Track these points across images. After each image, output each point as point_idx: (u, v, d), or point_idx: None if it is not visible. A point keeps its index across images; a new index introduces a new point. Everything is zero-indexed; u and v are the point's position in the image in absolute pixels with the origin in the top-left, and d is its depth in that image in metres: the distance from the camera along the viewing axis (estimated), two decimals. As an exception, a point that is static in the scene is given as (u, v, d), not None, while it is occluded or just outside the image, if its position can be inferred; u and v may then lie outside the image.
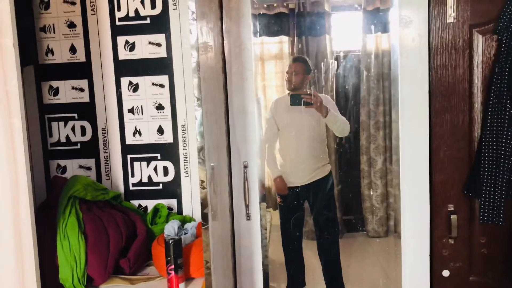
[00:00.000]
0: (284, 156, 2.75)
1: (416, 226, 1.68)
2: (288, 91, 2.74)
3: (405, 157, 1.66)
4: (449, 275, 1.72)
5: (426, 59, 1.62)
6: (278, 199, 2.80)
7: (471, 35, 1.63)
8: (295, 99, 2.46)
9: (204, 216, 1.26)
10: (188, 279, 1.57)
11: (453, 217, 1.68)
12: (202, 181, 1.25)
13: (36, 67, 1.84)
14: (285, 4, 3.06)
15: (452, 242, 1.70)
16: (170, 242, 1.49)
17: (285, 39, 3.15)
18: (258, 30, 2.98)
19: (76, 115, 1.87)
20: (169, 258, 1.49)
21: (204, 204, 1.25)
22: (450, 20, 1.62)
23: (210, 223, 1.28)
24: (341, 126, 2.59)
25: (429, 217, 1.68)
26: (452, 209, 1.69)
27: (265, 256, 1.95)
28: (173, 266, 1.49)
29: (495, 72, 1.59)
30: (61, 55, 1.84)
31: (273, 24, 3.08)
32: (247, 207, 1.69)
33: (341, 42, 3.15)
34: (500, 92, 1.56)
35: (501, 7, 1.57)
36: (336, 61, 3.09)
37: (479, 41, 1.63)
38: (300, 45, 3.10)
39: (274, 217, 3.19)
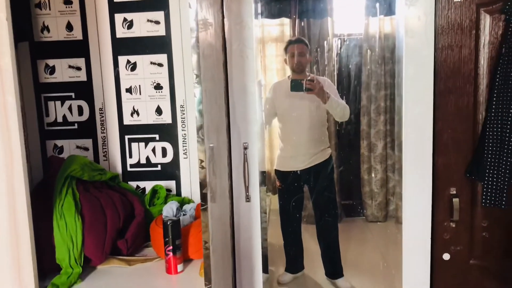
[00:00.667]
0: (284, 140, 2.73)
1: (418, 209, 1.66)
2: (289, 75, 2.70)
3: (408, 139, 1.63)
4: (449, 258, 1.71)
5: (432, 39, 1.58)
6: (278, 183, 2.78)
7: (478, 14, 1.58)
8: (296, 85, 2.42)
9: (203, 197, 1.23)
10: (187, 260, 1.56)
11: (455, 200, 1.65)
12: (201, 161, 1.22)
13: (31, 45, 1.79)
14: (286, -14, 3.01)
15: (454, 225, 1.68)
16: (169, 223, 1.47)
17: (286, 21, 3.10)
18: (259, 12, 2.94)
19: (73, 94, 1.84)
20: (167, 239, 1.47)
21: (203, 184, 1.23)
22: (457, -1, 1.57)
23: (209, 203, 1.26)
24: (341, 111, 2.56)
25: (431, 200, 1.66)
26: (455, 192, 1.67)
27: (264, 239, 1.94)
28: (171, 247, 1.47)
29: (501, 53, 1.55)
30: (57, 33, 1.79)
31: (274, 5, 3.03)
32: (246, 188, 1.66)
33: (343, 25, 3.10)
34: (506, 73, 1.52)
35: (509, -14, 1.52)
36: (338, 45, 3.05)
37: (486, 21, 1.59)
38: (301, 27, 3.06)
39: (274, 201, 3.18)
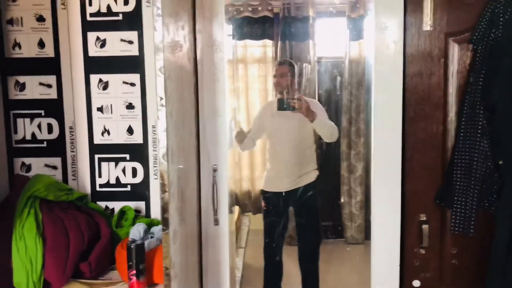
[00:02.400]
0: (271, 160, 2.72)
1: (387, 235, 1.65)
2: (277, 94, 2.71)
3: (377, 164, 1.63)
4: (419, 285, 1.70)
5: (401, 66, 1.59)
6: (263, 204, 2.76)
7: (447, 43, 1.61)
8: (282, 104, 2.43)
9: (165, 221, 1.21)
10: (151, 284, 1.52)
11: (425, 226, 1.65)
12: (164, 184, 1.20)
13: (1, 61, 1.77)
14: (269, 8, 3.04)
15: (424, 252, 1.68)
16: (132, 247, 1.44)
17: (268, 43, 3.13)
18: (241, 33, 2.96)
19: (43, 112, 1.81)
20: (130, 263, 1.44)
21: (165, 208, 1.21)
22: (427, 27, 1.60)
23: (171, 228, 1.23)
24: (329, 131, 2.56)
25: (400, 227, 1.65)
26: (424, 218, 1.66)
27: (234, 262, 1.91)
28: (134, 271, 1.44)
29: (469, 82, 1.57)
30: (28, 49, 1.78)
31: (257, 27, 3.06)
32: (215, 211, 1.64)
33: (324, 48, 3.14)
34: (474, 102, 1.54)
35: (477, 16, 1.55)
36: (318, 67, 3.08)
37: (454, 50, 1.61)
38: (284, 49, 3.09)
39: (253, 221, 3.16)
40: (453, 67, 1.62)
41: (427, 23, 1.59)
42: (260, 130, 2.68)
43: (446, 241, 1.68)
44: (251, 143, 2.69)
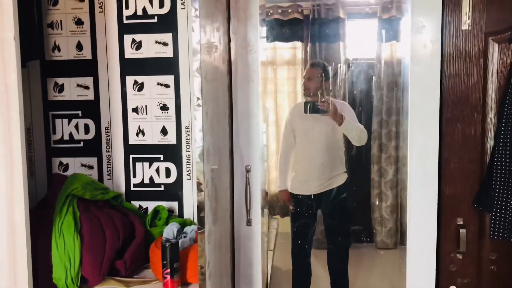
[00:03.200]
0: (299, 163, 2.71)
1: (423, 239, 1.62)
2: (305, 97, 2.70)
3: (413, 167, 1.60)
4: (456, 291, 1.66)
5: (438, 67, 1.56)
6: (291, 207, 2.75)
7: (487, 43, 1.57)
8: (310, 107, 2.42)
9: (201, 220, 1.22)
10: (185, 283, 1.53)
11: (462, 231, 1.61)
12: (199, 184, 1.21)
13: (42, 63, 1.83)
14: (299, 10, 3.04)
15: (461, 257, 1.64)
16: (167, 246, 1.45)
17: (298, 44, 3.12)
18: (271, 35, 2.97)
19: (80, 112, 1.85)
20: (165, 262, 1.45)
21: (200, 207, 1.22)
22: (465, 27, 1.56)
23: (207, 227, 1.24)
24: (357, 135, 2.53)
25: (436, 231, 1.62)
26: (461, 223, 1.63)
27: (265, 264, 1.91)
28: (169, 270, 1.45)
29: (510, 83, 1.53)
30: (67, 52, 1.83)
31: (287, 29, 3.06)
32: (248, 212, 1.64)
33: (355, 50, 3.10)
34: (515, 103, 1.50)
35: (518, 15, 1.51)
36: (349, 69, 3.05)
37: (494, 50, 1.57)
38: (313, 51, 3.07)
39: (281, 224, 3.15)
40: (493, 67, 1.57)
41: (466, 22, 1.56)
42: (290, 136, 2.67)
43: (484, 247, 1.64)
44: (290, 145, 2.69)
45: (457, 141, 1.60)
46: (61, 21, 1.81)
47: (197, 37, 1.21)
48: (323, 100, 2.46)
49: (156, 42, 1.80)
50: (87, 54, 1.83)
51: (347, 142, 2.74)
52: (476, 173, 1.61)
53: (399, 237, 3.17)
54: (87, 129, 1.86)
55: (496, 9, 1.55)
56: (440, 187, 1.61)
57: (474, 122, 1.59)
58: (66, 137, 1.86)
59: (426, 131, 1.58)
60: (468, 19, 1.56)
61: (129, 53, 1.81)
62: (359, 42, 3.12)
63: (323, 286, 2.79)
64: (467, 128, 1.59)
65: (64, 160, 1.87)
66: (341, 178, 2.67)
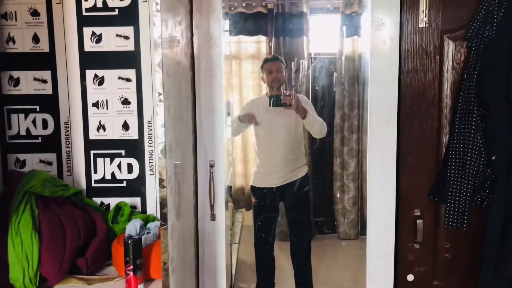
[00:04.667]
0: (261, 156, 2.73)
1: (382, 230, 1.67)
2: (266, 92, 2.72)
3: (372, 160, 1.65)
4: (413, 279, 1.72)
5: (397, 63, 1.61)
6: (253, 200, 2.77)
7: (442, 40, 1.63)
8: (275, 100, 2.44)
9: (163, 216, 1.21)
10: (148, 280, 1.52)
11: (419, 222, 1.67)
12: (162, 180, 1.20)
13: (-5, 56, 1.76)
14: (263, 3, 3.04)
15: (418, 246, 1.70)
16: (129, 242, 1.44)
17: (262, 39, 3.13)
18: (234, 29, 2.96)
19: (37, 107, 1.79)
20: (127, 259, 1.44)
21: (163, 204, 1.21)
22: (422, 24, 1.61)
23: (170, 222, 1.24)
24: (318, 128, 2.58)
25: (395, 222, 1.67)
26: (419, 213, 1.69)
27: (229, 257, 1.92)
28: (131, 267, 1.44)
29: (463, 79, 1.59)
30: (23, 44, 1.76)
31: (251, 23, 3.06)
32: (212, 207, 1.64)
33: (318, 45, 3.15)
34: (468, 98, 1.56)
35: (472, 13, 1.57)
36: (312, 63, 3.09)
37: (449, 47, 1.63)
38: (277, 45, 3.09)
39: (247, 217, 3.17)
40: (448, 63, 1.63)
41: (423, 20, 1.61)
42: (248, 123, 2.68)
43: (440, 236, 1.70)
44: (241, 129, 2.70)
45: (414, 135, 1.65)
46: (15, 11, 1.74)
47: (159, 31, 1.19)
48: (286, 94, 2.48)
49: (117, 35, 1.76)
50: (44, 46, 1.77)
51: (309, 136, 2.79)
52: (432, 166, 1.67)
53: (360, 228, 3.26)
54: (45, 124, 1.80)
55: (452, 7, 1.60)
56: (399, 179, 1.67)
57: (431, 116, 1.65)
58: (22, 133, 1.80)
59: (385, 125, 1.63)
60: (425, 17, 1.61)
61: (89, 46, 1.77)
62: (321, 37, 3.17)
63: (288, 278, 2.84)
64: (424, 122, 1.65)
65: (21, 156, 1.81)
66: (302, 170, 2.72)
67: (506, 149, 1.52)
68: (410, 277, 1.72)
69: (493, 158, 1.55)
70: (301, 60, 3.02)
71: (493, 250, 1.53)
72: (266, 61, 2.81)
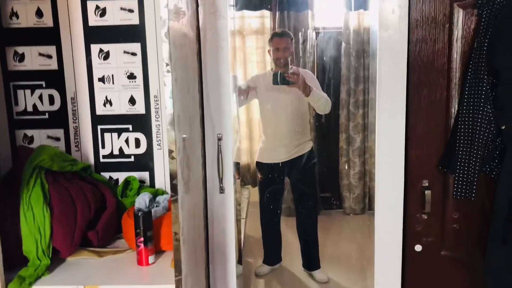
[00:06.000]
0: (266, 132, 2.73)
1: (390, 201, 1.68)
2: (272, 67, 2.70)
3: (381, 131, 1.64)
4: (421, 249, 1.73)
5: (406, 32, 1.58)
6: (259, 175, 2.79)
7: (452, 8, 1.60)
8: (278, 78, 2.43)
9: (173, 187, 1.22)
10: (159, 251, 1.54)
11: (427, 192, 1.67)
12: (171, 151, 1.20)
13: (-1, 31, 1.74)
14: (267, -23, 2.99)
15: (426, 217, 1.71)
16: (140, 214, 1.45)
17: (266, 13, 3.08)
18: (239, 3, 2.92)
19: (43, 83, 1.79)
20: (138, 231, 1.45)
21: (173, 175, 1.21)
22: (431, -8, 1.58)
23: (180, 194, 1.24)
24: (323, 104, 2.58)
25: (403, 192, 1.68)
26: (427, 184, 1.69)
27: (239, 231, 1.94)
28: (142, 239, 1.45)
29: (473, 48, 1.57)
30: (26, 19, 1.74)
31: (256, -3, 3.01)
32: (220, 180, 1.65)
33: (322, 19, 3.10)
34: (478, 67, 1.54)
35: (482, -20, 1.54)
36: (317, 38, 3.06)
37: (459, 15, 1.60)
38: (282, 20, 3.05)
39: (253, 194, 3.19)
40: (458, 32, 1.61)
41: (432, -12, 1.57)
42: (252, 97, 2.67)
43: (448, 207, 1.71)
44: (244, 100, 2.69)
45: (423, 105, 1.64)
46: (18, -14, 1.72)
47: (165, 1, 1.17)
48: (291, 71, 2.46)
49: (121, 8, 1.74)
50: (48, 21, 1.75)
51: (314, 111, 2.78)
52: (441, 136, 1.66)
53: (367, 203, 3.27)
54: (51, 100, 1.80)
55: (462, -26, 1.57)
56: (407, 151, 1.66)
57: (440, 87, 1.63)
58: (29, 109, 1.80)
59: (393, 97, 1.61)
60: (434, -16, 1.57)
61: (93, 20, 1.75)
62: (326, 11, 3.12)
63: (294, 252, 2.87)
64: (433, 92, 1.63)
65: (29, 132, 1.81)
66: (308, 145, 2.72)
67: (516, 119, 1.51)
68: (418, 248, 1.73)
69: (503, 127, 1.54)
70: (308, 32, 2.98)
71: (501, 219, 1.53)
72: (274, 35, 2.79)
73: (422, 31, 1.60)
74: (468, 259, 1.72)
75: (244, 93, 2.60)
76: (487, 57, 1.52)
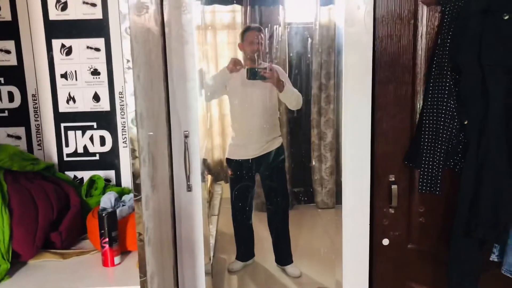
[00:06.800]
0: (236, 128, 2.71)
1: (358, 197, 1.69)
2: (247, 63, 2.67)
3: (347, 127, 1.65)
4: (388, 243, 1.75)
5: (371, 28, 1.59)
6: (230, 172, 2.77)
7: (416, 5, 1.61)
8: (252, 73, 2.41)
9: (136, 187, 1.19)
10: (125, 252, 1.51)
11: (394, 187, 1.69)
12: (134, 150, 1.17)
13: (-46, 26, 1.67)
14: (239, -30, 2.96)
15: (392, 211, 1.73)
16: (104, 214, 1.42)
17: (237, 8, 3.06)
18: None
19: (2, 79, 1.72)
20: (102, 231, 1.42)
21: (136, 174, 1.19)
22: (396, -12, 1.59)
23: (144, 193, 1.22)
24: (295, 100, 2.58)
25: (369, 187, 1.69)
26: (393, 179, 1.71)
27: (207, 229, 1.92)
28: (107, 239, 1.42)
29: (437, 44, 1.59)
30: (-18, 13, 1.67)
31: (225, -10, 2.98)
32: (187, 178, 1.63)
33: (293, 13, 3.09)
34: (441, 63, 1.56)
35: (446, -23, 1.56)
36: (288, 33, 3.05)
37: (423, 12, 1.62)
38: (253, 14, 3.02)
39: (225, 190, 3.17)
40: (422, 29, 1.62)
41: (397, -16, 1.58)
42: (221, 91, 2.63)
43: (414, 201, 1.73)
44: (215, 92, 2.64)
45: (389, 101, 1.65)
46: (-28, -22, 1.65)
47: (125, -4, 1.14)
48: (264, 66, 2.45)
49: (84, 2, 1.69)
50: (5, 15, 1.68)
51: (285, 107, 2.78)
52: (407, 131, 1.68)
53: (338, 197, 3.30)
54: (11, 97, 1.73)
55: (425, -29, 1.58)
56: (373, 146, 1.68)
57: (405, 82, 1.64)
58: (-13, 106, 1.73)
59: (359, 92, 1.62)
60: (399, -20, 1.59)
61: (54, 14, 1.69)
62: (297, 6, 3.12)
63: (266, 248, 2.87)
64: (399, 88, 1.65)
65: (-12, 131, 1.75)
66: (277, 141, 2.72)
67: (478, 114, 1.54)
68: (386, 241, 1.75)
69: (466, 122, 1.57)
70: (275, 26, 2.97)
71: (465, 212, 1.56)
72: (248, 29, 2.76)
73: (387, 27, 1.61)
74: (433, 251, 1.75)
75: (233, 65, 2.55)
76: (450, 53, 1.54)
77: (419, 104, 1.67)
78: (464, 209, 1.57)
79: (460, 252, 1.60)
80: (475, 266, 1.60)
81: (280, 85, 2.45)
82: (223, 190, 3.19)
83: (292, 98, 2.57)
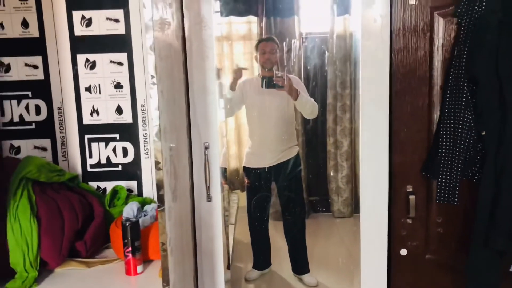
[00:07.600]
0: (253, 137, 2.74)
1: (376, 207, 1.71)
2: (259, 73, 2.72)
3: (365, 138, 1.67)
4: (406, 253, 1.76)
5: (388, 41, 1.61)
6: (246, 181, 2.80)
7: (432, 17, 1.63)
8: (267, 82, 2.45)
9: (160, 198, 1.23)
10: (147, 261, 1.55)
11: (412, 197, 1.71)
12: (158, 162, 1.21)
13: (-15, 42, 1.74)
14: (254, -16, 3.01)
15: (410, 222, 1.74)
16: (127, 224, 1.46)
17: (253, 19, 3.10)
18: (225, 10, 2.94)
19: (30, 93, 1.79)
20: (126, 241, 1.46)
21: (160, 186, 1.22)
22: (412, 1, 1.62)
23: (167, 204, 1.25)
24: (310, 108, 2.60)
25: (387, 198, 1.70)
26: (411, 189, 1.72)
27: (227, 236, 1.95)
28: (130, 249, 1.46)
29: (454, 55, 1.61)
30: (12, 29, 1.74)
31: (241, 3, 3.03)
32: (207, 188, 1.66)
33: (309, 24, 3.13)
34: (458, 75, 1.57)
35: (462, -11, 1.58)
36: (304, 43, 3.08)
37: (439, 24, 1.64)
38: (268, 25, 3.07)
39: (242, 198, 3.20)
40: (438, 40, 1.64)
41: (413, -3, 1.61)
42: (240, 103, 2.69)
43: (432, 211, 1.74)
44: (234, 107, 2.70)
45: (406, 112, 1.67)
46: (3, -4, 1.73)
47: (149, 13, 1.19)
48: (279, 75, 2.49)
49: (107, 18, 1.75)
50: (33, 31, 1.75)
51: (301, 116, 2.81)
52: (424, 142, 1.69)
53: (354, 206, 3.30)
54: (38, 110, 1.80)
55: (441, -17, 1.61)
56: (391, 156, 1.69)
57: (422, 94, 1.66)
58: (16, 119, 1.80)
59: (376, 104, 1.64)
60: (415, -7, 1.61)
61: (79, 30, 1.76)
62: (312, 16, 3.15)
63: (283, 257, 2.88)
64: (415, 100, 1.67)
65: (16, 142, 1.81)
66: (294, 150, 2.75)
67: (496, 125, 1.55)
68: (404, 252, 1.76)
69: (483, 133, 1.58)
70: (293, 40, 3.01)
71: (483, 222, 1.57)
72: (260, 41, 2.81)
73: (403, 39, 1.64)
74: (452, 262, 1.75)
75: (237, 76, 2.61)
76: (467, 64, 1.56)
77: (436, 115, 1.68)
78: (482, 219, 1.57)
79: (479, 262, 1.60)
80: (494, 276, 1.60)
81: (294, 93, 2.48)
82: (239, 199, 3.23)
83: (307, 107, 2.59)
